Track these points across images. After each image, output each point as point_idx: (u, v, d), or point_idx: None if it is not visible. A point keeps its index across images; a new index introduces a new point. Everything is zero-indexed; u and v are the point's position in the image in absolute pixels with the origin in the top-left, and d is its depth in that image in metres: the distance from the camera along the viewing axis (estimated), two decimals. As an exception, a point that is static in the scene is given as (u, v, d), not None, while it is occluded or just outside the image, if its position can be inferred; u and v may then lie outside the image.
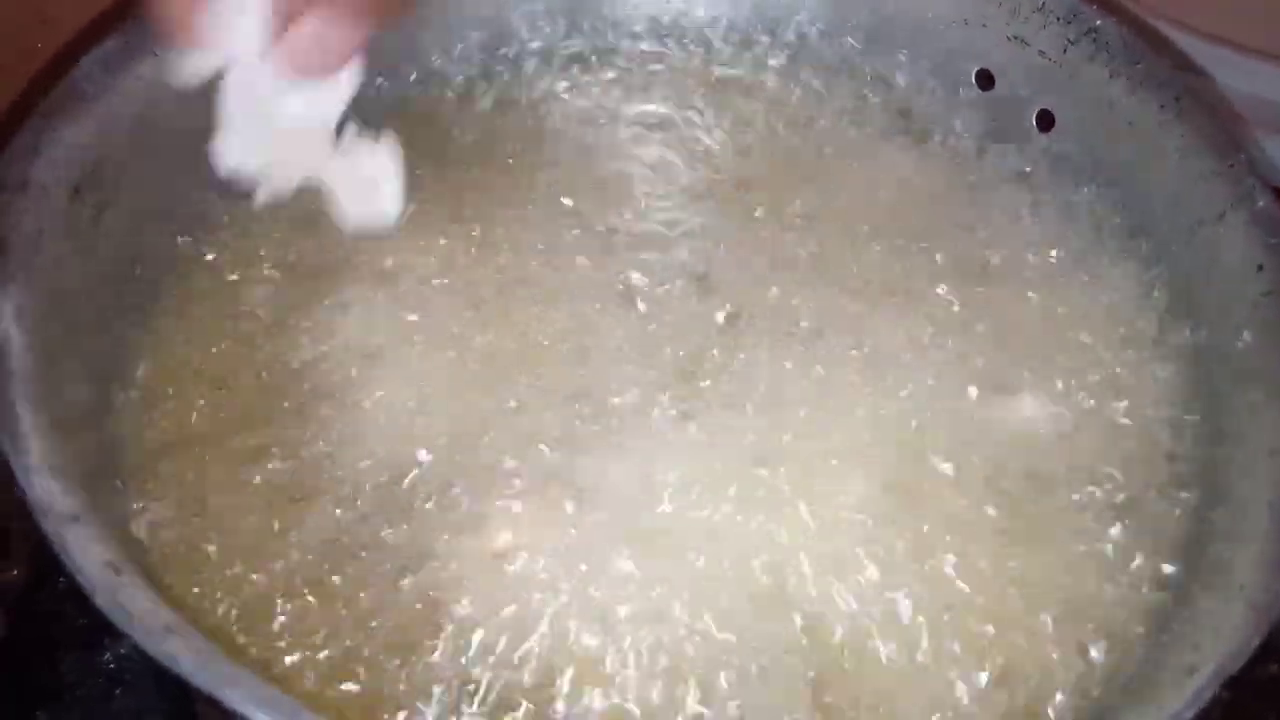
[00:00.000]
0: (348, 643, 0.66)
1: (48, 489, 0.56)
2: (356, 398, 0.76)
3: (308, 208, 0.84)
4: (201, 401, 0.76)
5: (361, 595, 0.68)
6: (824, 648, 0.67)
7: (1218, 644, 0.57)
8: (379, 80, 0.92)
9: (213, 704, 0.83)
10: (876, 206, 0.91)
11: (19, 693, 0.83)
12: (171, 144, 0.80)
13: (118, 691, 0.83)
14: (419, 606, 0.67)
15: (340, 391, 0.77)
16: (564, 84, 0.98)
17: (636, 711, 0.64)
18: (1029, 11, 0.90)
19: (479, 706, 0.64)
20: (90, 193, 0.73)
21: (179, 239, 0.82)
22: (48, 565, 0.86)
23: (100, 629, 0.84)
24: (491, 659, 0.65)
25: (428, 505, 0.71)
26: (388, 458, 0.74)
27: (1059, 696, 0.64)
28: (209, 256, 0.83)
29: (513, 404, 0.76)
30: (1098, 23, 0.87)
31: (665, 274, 0.85)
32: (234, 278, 0.82)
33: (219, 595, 0.67)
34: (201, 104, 0.82)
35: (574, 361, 0.79)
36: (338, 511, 0.71)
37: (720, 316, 0.82)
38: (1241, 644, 0.56)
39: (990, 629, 0.68)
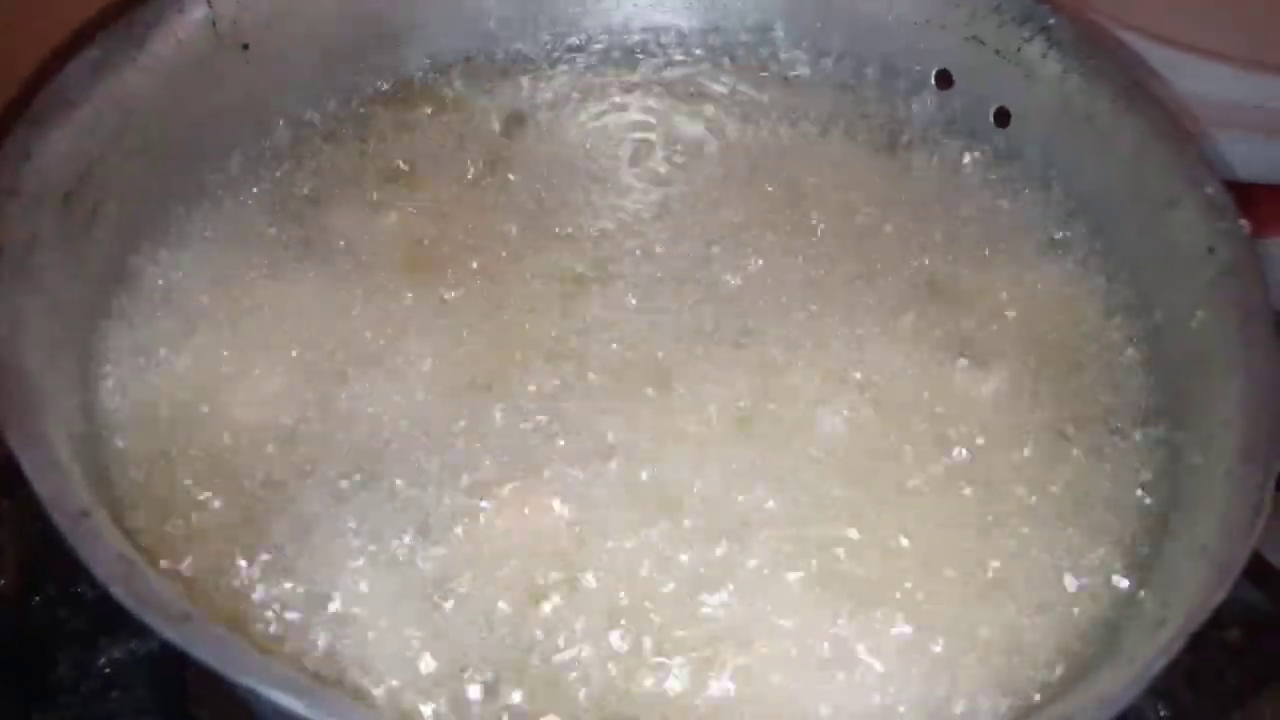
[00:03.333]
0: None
1: (58, 486, 0.57)
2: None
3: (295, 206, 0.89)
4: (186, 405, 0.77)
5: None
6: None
7: (1184, 600, 0.61)
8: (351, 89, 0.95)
9: (206, 705, 0.84)
10: (836, 205, 0.94)
11: (14, 696, 0.83)
12: (160, 148, 0.82)
13: (113, 694, 0.83)
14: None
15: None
16: (533, 92, 1.00)
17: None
18: (986, 12, 0.94)
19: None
20: (81, 199, 0.74)
21: (167, 242, 0.83)
22: (40, 570, 0.87)
23: (94, 631, 0.85)
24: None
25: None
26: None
27: (1037, 656, 0.68)
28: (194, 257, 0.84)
29: (495, 401, 0.78)
30: (1050, 21, 0.91)
31: (637, 281, 0.87)
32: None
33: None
34: (187, 108, 0.85)
35: (553, 358, 0.81)
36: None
37: (691, 319, 0.84)
38: (1206, 599, 0.59)
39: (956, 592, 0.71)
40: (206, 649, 0.52)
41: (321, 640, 0.66)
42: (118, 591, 0.53)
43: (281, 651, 0.65)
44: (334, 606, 0.67)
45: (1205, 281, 0.77)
